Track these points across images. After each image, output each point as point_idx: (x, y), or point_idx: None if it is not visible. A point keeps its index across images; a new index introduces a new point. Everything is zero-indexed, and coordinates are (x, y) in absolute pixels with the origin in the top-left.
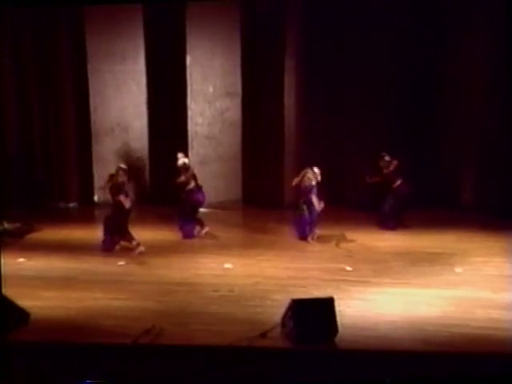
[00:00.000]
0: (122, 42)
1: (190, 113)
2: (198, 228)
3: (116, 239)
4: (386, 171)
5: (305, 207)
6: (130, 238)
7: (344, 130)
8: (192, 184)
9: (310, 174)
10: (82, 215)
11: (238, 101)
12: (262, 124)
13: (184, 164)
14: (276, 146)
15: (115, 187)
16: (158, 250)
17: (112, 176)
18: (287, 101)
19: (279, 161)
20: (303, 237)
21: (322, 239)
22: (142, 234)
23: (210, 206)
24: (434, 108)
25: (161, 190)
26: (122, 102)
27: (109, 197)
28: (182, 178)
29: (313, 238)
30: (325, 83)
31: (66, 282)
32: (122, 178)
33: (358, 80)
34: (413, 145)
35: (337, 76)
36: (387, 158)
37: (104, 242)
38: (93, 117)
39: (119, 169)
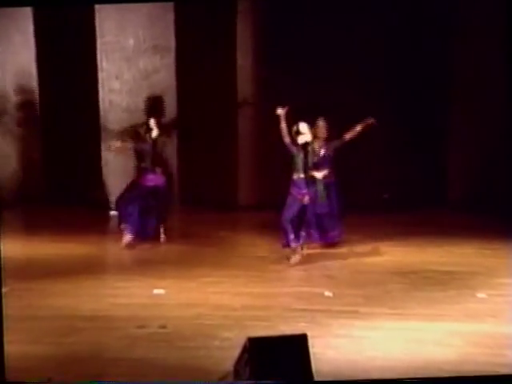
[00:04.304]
0: None
1: (100, 75)
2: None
3: None
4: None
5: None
6: None
7: (322, 100)
8: None
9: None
10: None
11: (170, 59)
12: (206, 91)
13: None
14: (226, 123)
15: None
16: (57, 269)
17: None
18: (241, 58)
19: (231, 144)
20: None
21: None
22: (34, 246)
23: None
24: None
25: (59, 186)
26: None
27: None
28: None
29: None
30: (296, 32)
31: None
32: None
33: (345, 29)
34: (415, 128)
35: (314, 23)
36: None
37: None
38: None
39: None
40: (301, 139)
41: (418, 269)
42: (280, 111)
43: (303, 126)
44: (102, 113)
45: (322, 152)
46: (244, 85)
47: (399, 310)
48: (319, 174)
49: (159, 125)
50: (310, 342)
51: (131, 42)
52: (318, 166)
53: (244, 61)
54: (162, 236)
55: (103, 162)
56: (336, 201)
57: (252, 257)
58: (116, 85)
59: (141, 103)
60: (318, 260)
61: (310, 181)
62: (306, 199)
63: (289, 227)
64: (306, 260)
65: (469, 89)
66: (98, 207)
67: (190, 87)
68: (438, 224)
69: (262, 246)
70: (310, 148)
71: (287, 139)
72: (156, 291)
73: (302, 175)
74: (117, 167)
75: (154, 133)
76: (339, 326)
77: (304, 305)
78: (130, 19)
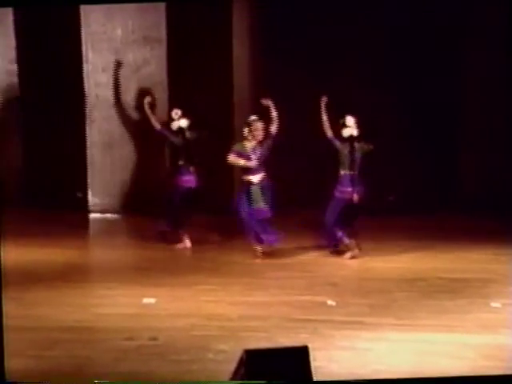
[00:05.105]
0: None
1: (86, 67)
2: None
3: None
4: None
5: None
6: None
7: (323, 93)
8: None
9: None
10: None
11: (161, 51)
12: (199, 85)
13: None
14: (220, 119)
15: None
16: (38, 276)
17: None
18: (237, 49)
19: (225, 141)
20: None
21: (290, 257)
22: (13, 251)
23: (121, 209)
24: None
25: (40, 186)
26: None
27: None
28: None
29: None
30: (296, 21)
31: None
32: None
33: (347, 20)
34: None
35: (313, 12)
36: (253, 120)
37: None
38: None
39: None
40: (346, 132)
41: (427, 276)
42: (322, 101)
43: (349, 119)
44: (87, 109)
45: (258, 154)
46: (241, 78)
47: (407, 321)
48: (256, 178)
49: (186, 116)
50: (312, 354)
51: (119, 32)
52: (254, 170)
53: (241, 52)
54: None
55: (89, 161)
56: (272, 204)
57: (249, 263)
58: (103, 78)
59: (130, 99)
60: (319, 266)
61: (355, 178)
62: (355, 198)
63: (334, 228)
64: (307, 267)
65: (478, 89)
66: (83, 209)
67: (182, 81)
68: (448, 228)
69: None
70: (355, 144)
71: (330, 133)
72: (146, 300)
73: (347, 171)
74: (103, 166)
75: (183, 123)
76: (342, 337)
77: (305, 315)
78: (118, 8)
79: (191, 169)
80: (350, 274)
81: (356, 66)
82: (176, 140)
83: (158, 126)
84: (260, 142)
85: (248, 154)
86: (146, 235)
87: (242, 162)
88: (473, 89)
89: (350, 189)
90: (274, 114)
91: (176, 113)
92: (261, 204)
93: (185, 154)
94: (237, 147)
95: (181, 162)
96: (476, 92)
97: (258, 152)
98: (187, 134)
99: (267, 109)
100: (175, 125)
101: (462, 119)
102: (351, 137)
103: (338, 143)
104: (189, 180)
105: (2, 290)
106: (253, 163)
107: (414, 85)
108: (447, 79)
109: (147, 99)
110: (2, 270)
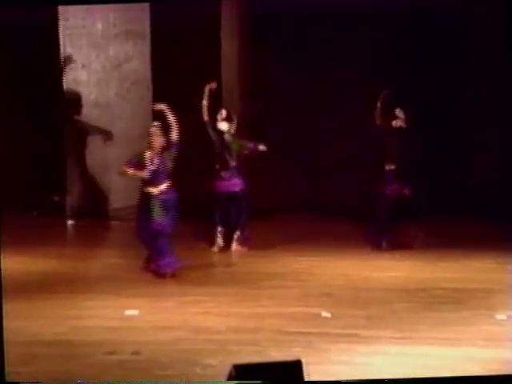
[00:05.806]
0: None
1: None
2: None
3: None
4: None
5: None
6: None
7: (318, 93)
8: None
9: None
10: None
11: (145, 45)
12: (185, 83)
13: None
14: (209, 117)
15: None
16: (13, 287)
17: None
18: (226, 44)
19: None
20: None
21: (283, 266)
22: None
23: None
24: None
25: (14, 190)
26: None
27: None
28: None
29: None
30: (288, 16)
31: None
32: None
33: (340, 17)
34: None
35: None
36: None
37: None
38: None
39: None
40: (395, 123)
41: (428, 286)
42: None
43: (400, 111)
44: (66, 107)
45: (157, 165)
46: (229, 75)
47: (406, 333)
48: (156, 190)
49: (230, 120)
50: (305, 369)
51: (99, 26)
52: (153, 181)
53: (229, 48)
54: (234, 244)
55: (67, 164)
56: (174, 222)
57: (239, 272)
58: (83, 75)
59: (112, 97)
60: (313, 276)
61: (399, 172)
62: (407, 191)
63: (388, 225)
64: (300, 276)
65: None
66: (60, 214)
67: (166, 78)
68: (451, 234)
69: (250, 259)
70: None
71: (379, 121)
72: (128, 312)
73: (392, 166)
74: (82, 169)
75: (222, 126)
76: (338, 351)
77: (298, 327)
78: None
79: (224, 174)
80: (346, 284)
81: (351, 64)
82: (215, 141)
83: (206, 117)
84: (160, 151)
85: (145, 164)
86: (127, 242)
87: (130, 171)
88: (486, 90)
89: (394, 185)
90: (172, 118)
91: (221, 113)
92: (159, 218)
93: (221, 157)
94: (136, 157)
95: (217, 167)
96: (484, 94)
97: (157, 161)
98: (226, 136)
99: (163, 114)
100: (218, 126)
101: (463, 126)
102: (400, 128)
103: (385, 133)
104: (226, 184)
105: (2, 296)
106: (144, 173)
107: (421, 86)
108: (459, 79)
109: (211, 85)
110: None
